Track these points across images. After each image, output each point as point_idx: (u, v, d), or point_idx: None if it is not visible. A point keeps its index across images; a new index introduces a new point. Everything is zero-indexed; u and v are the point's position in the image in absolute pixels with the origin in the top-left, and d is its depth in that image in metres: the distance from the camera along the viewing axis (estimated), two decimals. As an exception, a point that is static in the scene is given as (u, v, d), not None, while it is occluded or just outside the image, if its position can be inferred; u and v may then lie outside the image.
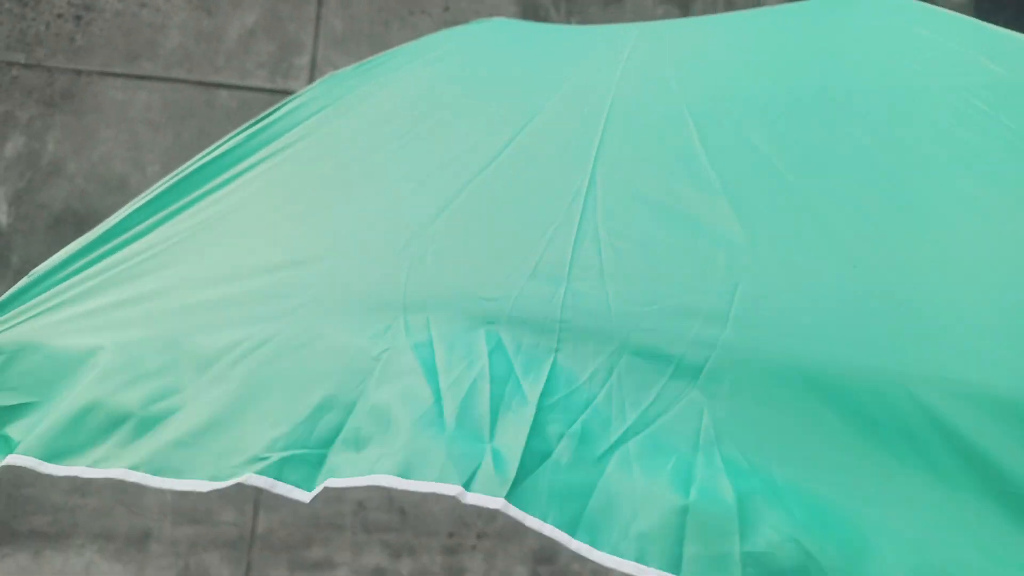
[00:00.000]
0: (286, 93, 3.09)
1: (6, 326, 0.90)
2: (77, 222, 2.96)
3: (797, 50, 0.90)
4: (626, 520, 0.69)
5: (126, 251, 0.97)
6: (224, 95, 3.10)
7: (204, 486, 0.80)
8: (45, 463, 0.81)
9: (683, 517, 0.69)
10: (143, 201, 1.04)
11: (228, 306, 0.84)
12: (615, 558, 0.69)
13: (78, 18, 3.11)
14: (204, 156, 1.04)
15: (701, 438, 0.71)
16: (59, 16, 3.10)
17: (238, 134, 1.05)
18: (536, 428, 0.73)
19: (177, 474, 0.81)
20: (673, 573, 0.70)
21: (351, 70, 1.16)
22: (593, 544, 0.70)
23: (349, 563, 2.81)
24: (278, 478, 0.77)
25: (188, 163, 1.07)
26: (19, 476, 2.76)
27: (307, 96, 1.11)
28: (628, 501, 0.70)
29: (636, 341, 0.72)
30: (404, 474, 0.75)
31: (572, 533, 0.69)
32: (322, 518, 2.82)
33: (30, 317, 0.91)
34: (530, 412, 0.73)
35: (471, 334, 0.74)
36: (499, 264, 0.77)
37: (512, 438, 0.74)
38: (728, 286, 0.69)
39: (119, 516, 2.77)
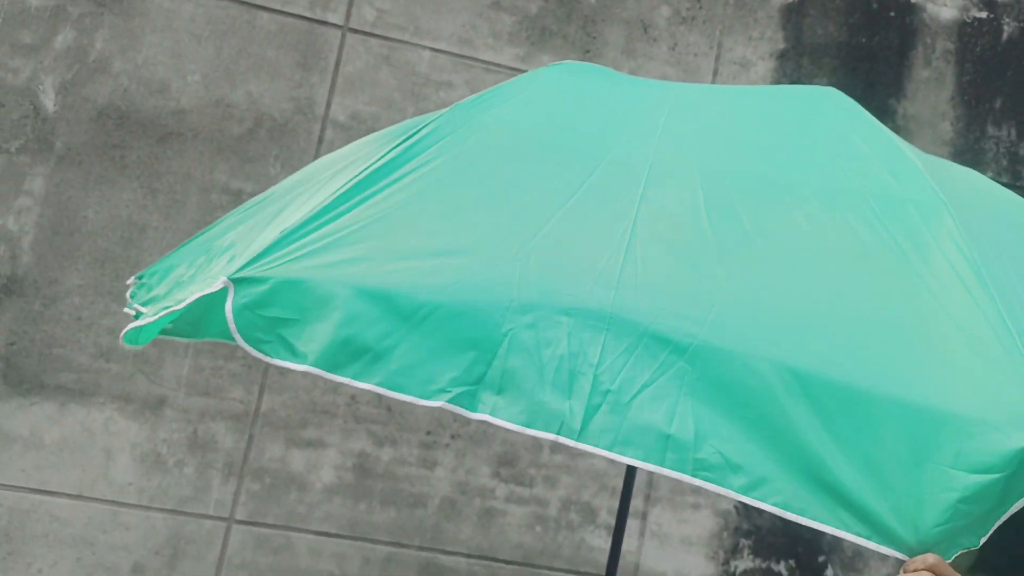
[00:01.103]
0: (323, 23, 3.38)
1: (269, 266, 1.27)
2: (119, 118, 3.23)
3: (774, 135, 1.36)
4: (647, 439, 1.12)
5: (341, 220, 1.31)
6: (265, 18, 3.36)
7: (418, 401, 1.21)
8: (327, 372, 1.22)
9: (665, 442, 1.12)
10: (349, 184, 1.38)
11: (415, 274, 1.24)
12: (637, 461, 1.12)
13: (130, -77, 3.32)
14: (385, 153, 1.39)
15: (683, 390, 1.14)
16: (112, -82, 3.31)
17: (396, 145, 1.40)
18: (593, 388, 1.13)
19: (402, 390, 1.21)
20: (660, 464, 1.14)
21: (471, 100, 1.53)
22: (623, 454, 1.12)
23: (338, 445, 3.25)
24: (459, 404, 1.17)
25: (375, 156, 1.42)
26: (51, 337, 3.09)
27: (442, 118, 1.47)
28: (643, 429, 1.13)
29: (652, 330, 1.15)
30: (520, 423, 1.17)
31: (612, 449, 1.13)
32: (318, 405, 3.24)
33: (283, 263, 1.27)
34: (590, 377, 1.13)
35: (558, 321, 1.16)
36: (576, 273, 1.19)
37: (578, 398, 1.13)
38: (709, 303, 1.14)
39: (138, 382, 3.14)
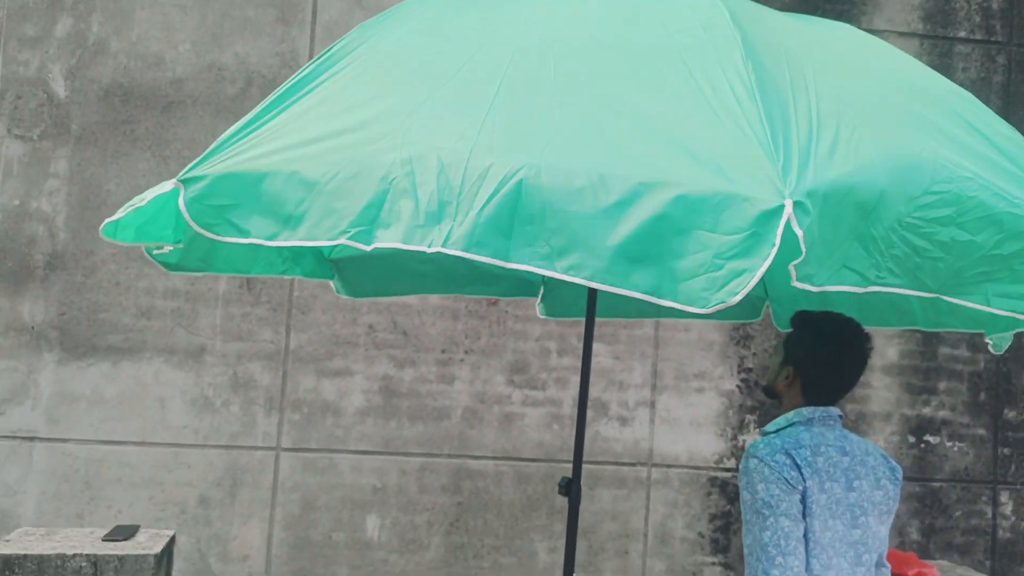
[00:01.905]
0: (296, -20, 3.55)
1: (209, 166, 1.55)
2: (123, 94, 3.47)
3: (621, 13, 1.64)
4: (495, 241, 1.36)
5: (266, 125, 1.61)
6: (242, -19, 3.55)
7: (325, 243, 1.45)
8: (267, 242, 1.48)
9: (507, 242, 1.35)
10: (271, 98, 1.67)
11: (322, 152, 1.50)
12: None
13: (105, -93, 3.50)
14: (297, 75, 1.69)
15: (521, 199, 1.35)
16: (88, -95, 3.49)
17: (314, 62, 1.71)
18: (457, 210, 1.38)
19: (315, 238, 1.46)
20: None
21: (372, 20, 1.81)
22: (477, 253, 1.35)
23: (363, 372, 3.54)
24: (357, 240, 1.41)
25: (291, 78, 1.71)
26: (95, 303, 3.42)
27: (348, 38, 1.77)
28: (491, 234, 1.36)
29: (499, 161, 1.39)
30: (400, 241, 1.39)
31: (467, 250, 1.34)
32: (340, 337, 3.53)
33: (220, 161, 1.55)
34: (454, 204, 1.38)
35: (429, 167, 1.41)
36: (446, 132, 1.45)
37: (446, 219, 1.38)
38: (545, 138, 1.41)
39: (179, 335, 3.46)
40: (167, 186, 1.55)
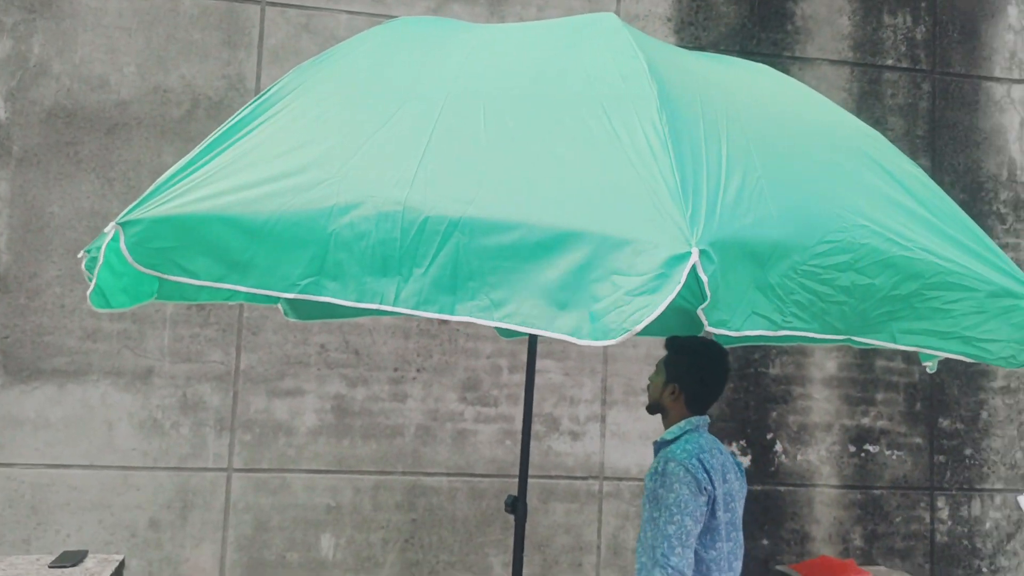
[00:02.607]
0: (242, 1, 3.56)
1: (147, 209, 1.57)
2: (67, 116, 3.44)
3: (544, 61, 1.71)
4: (440, 297, 1.47)
5: (204, 168, 1.64)
6: (187, 2, 3.54)
7: (281, 294, 1.51)
8: (214, 283, 1.53)
9: (453, 296, 1.47)
10: (210, 140, 1.71)
11: (260, 197, 1.55)
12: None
13: (47, -73, 3.47)
14: (234, 117, 1.74)
15: (460, 255, 1.46)
16: (30, -75, 3.46)
17: (251, 104, 1.75)
18: (399, 265, 1.48)
19: (268, 287, 1.53)
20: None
21: (310, 62, 1.86)
22: (426, 310, 1.46)
23: (315, 391, 3.55)
24: (309, 292, 1.48)
25: (226, 121, 1.76)
26: (40, 326, 3.37)
27: (286, 79, 1.81)
28: (437, 290, 1.47)
29: (434, 214, 1.48)
30: (353, 299, 1.48)
31: (417, 308, 1.47)
32: (292, 357, 3.54)
33: (158, 205, 1.57)
34: (396, 258, 1.47)
35: (367, 218, 1.48)
36: (381, 180, 1.53)
37: (390, 275, 1.48)
38: (476, 188, 1.50)
39: (126, 357, 3.43)
40: (109, 231, 1.57)
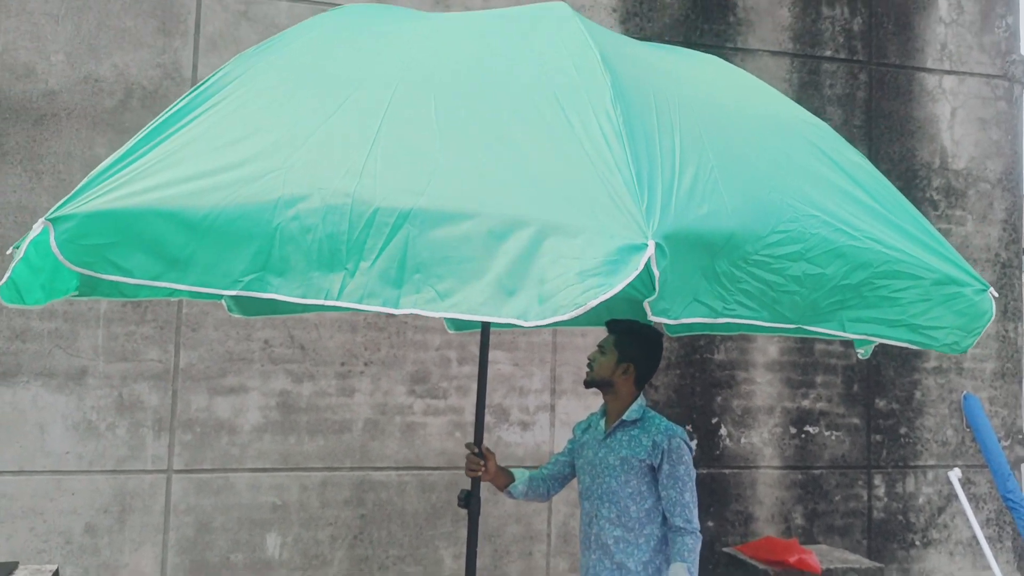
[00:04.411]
0: (176, -13, 3.43)
1: (80, 204, 1.48)
2: (-11, 105, 3.28)
3: (498, 51, 1.68)
4: (385, 291, 1.44)
5: (141, 160, 1.55)
6: (118, -13, 3.40)
7: (222, 292, 1.44)
8: (151, 282, 1.46)
9: (398, 290, 1.43)
10: (147, 130, 1.63)
11: (201, 190, 1.48)
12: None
13: (-37, -94, 3.29)
14: (174, 106, 1.66)
15: (407, 246, 1.43)
16: (-56, -96, 3.27)
17: (190, 94, 1.68)
18: (346, 258, 1.44)
19: (209, 285, 1.47)
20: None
21: (252, 50, 1.79)
22: (370, 304, 1.43)
23: (259, 388, 3.47)
24: (252, 289, 1.43)
25: (164, 112, 1.67)
26: (-36, 328, 3.21)
27: (227, 68, 1.73)
28: (382, 283, 1.44)
29: (383, 205, 1.44)
30: (298, 295, 1.43)
31: (361, 302, 1.43)
32: (234, 353, 3.44)
33: (92, 199, 1.48)
34: (343, 252, 1.43)
35: (315, 211, 1.44)
36: (328, 172, 1.48)
37: (336, 269, 1.44)
38: (427, 179, 1.46)
39: (58, 357, 3.29)
40: (37, 228, 1.48)
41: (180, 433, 3.38)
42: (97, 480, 3.30)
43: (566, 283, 1.31)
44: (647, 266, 1.31)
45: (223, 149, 1.54)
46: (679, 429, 2.42)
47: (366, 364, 3.56)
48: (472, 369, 3.62)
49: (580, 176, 1.44)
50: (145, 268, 1.46)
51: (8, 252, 1.96)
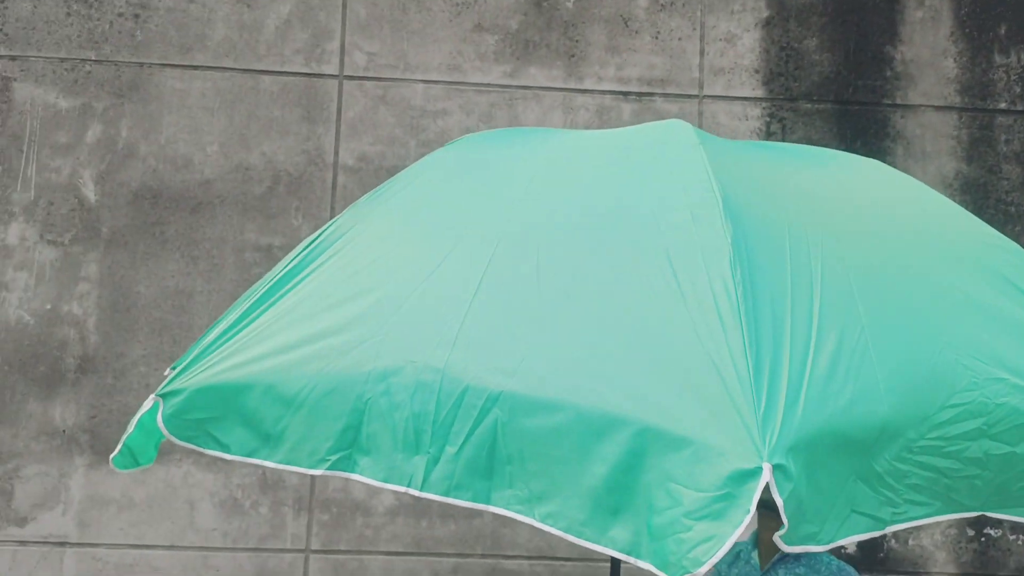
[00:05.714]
0: (320, 76, 3.58)
1: (188, 378, 1.55)
2: (152, 197, 3.51)
3: (610, 192, 1.55)
4: (474, 483, 1.35)
5: (247, 329, 1.61)
6: (267, 80, 3.58)
7: (308, 472, 1.44)
8: (247, 458, 1.49)
9: (488, 483, 1.35)
10: (256, 296, 1.67)
11: (296, 362, 1.48)
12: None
13: (136, 16, 3.59)
14: (287, 264, 1.70)
15: (497, 435, 1.33)
16: (120, 15, 3.59)
17: (302, 250, 1.71)
18: (432, 442, 1.36)
19: (295, 463, 1.48)
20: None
21: (366, 198, 1.80)
22: (458, 498, 1.36)
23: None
24: (339, 469, 1.42)
25: (276, 269, 1.72)
26: (125, 405, 3.39)
27: (338, 220, 1.78)
28: (470, 475, 1.36)
29: (472, 384, 1.34)
30: (381, 479, 1.40)
31: (448, 495, 1.36)
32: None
33: (199, 373, 1.55)
34: (429, 433, 1.36)
35: (405, 385, 1.38)
36: (421, 339, 1.42)
37: (421, 453, 1.36)
38: (520, 355, 1.35)
39: (206, 436, 3.41)
40: (148, 403, 1.57)
41: (318, 513, 3.40)
42: (240, 558, 3.36)
43: (674, 526, 1.15)
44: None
45: (325, 313, 1.53)
46: (850, 569, 1.98)
47: (500, 446, 3.47)
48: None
49: (687, 366, 1.25)
50: (241, 444, 1.50)
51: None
